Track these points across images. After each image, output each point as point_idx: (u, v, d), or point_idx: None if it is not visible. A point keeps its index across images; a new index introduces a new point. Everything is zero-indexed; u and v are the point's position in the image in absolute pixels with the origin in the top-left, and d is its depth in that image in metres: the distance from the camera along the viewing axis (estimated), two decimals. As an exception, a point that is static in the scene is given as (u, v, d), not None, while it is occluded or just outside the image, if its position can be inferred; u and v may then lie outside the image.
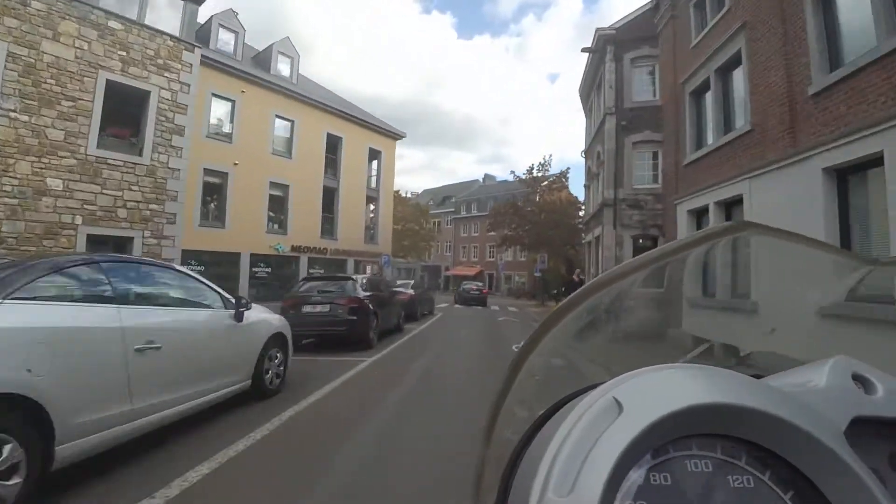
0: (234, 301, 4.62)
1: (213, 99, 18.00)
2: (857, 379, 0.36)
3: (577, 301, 0.42)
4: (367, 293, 10.07)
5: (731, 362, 0.48)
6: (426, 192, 64.98)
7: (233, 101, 18.83)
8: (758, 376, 0.37)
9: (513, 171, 48.98)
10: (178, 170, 13.08)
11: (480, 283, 34.98)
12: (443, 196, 60.03)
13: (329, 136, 23.22)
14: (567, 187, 36.76)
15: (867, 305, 0.57)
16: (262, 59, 22.09)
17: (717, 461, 0.32)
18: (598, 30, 17.75)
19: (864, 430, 0.34)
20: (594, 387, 0.36)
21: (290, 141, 21.34)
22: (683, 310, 0.63)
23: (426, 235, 44.36)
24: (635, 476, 0.30)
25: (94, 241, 11.15)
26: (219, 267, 17.41)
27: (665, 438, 0.31)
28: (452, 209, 55.91)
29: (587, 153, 23.42)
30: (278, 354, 5.40)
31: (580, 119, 29.39)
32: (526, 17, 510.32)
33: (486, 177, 59.91)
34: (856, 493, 0.30)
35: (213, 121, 18.34)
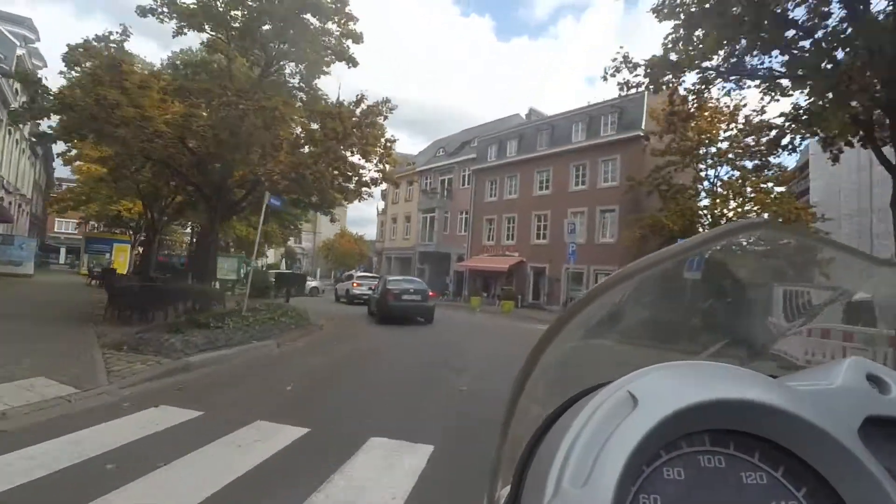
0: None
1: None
2: (872, 379, 0.36)
3: (592, 297, 0.41)
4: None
5: (746, 361, 0.46)
6: (434, 143, 42.08)
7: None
8: (773, 376, 0.37)
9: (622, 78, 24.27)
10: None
11: (420, 284, 16.06)
12: (460, 142, 37.26)
13: None
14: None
15: (877, 306, 0.57)
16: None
17: (730, 457, 0.32)
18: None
19: (878, 429, 0.34)
20: (607, 384, 0.36)
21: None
22: (699, 307, 0.63)
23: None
24: (649, 469, 0.31)
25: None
26: None
27: (679, 433, 0.32)
28: (473, 155, 33.04)
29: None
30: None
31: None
32: (564, 19, 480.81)
33: (533, 112, 36.69)
34: (870, 492, 0.31)
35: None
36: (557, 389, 0.42)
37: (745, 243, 0.47)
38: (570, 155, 26.77)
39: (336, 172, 12.44)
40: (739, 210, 17.84)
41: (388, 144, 13.07)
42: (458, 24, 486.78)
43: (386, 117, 13.08)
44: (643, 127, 24.12)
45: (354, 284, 21.90)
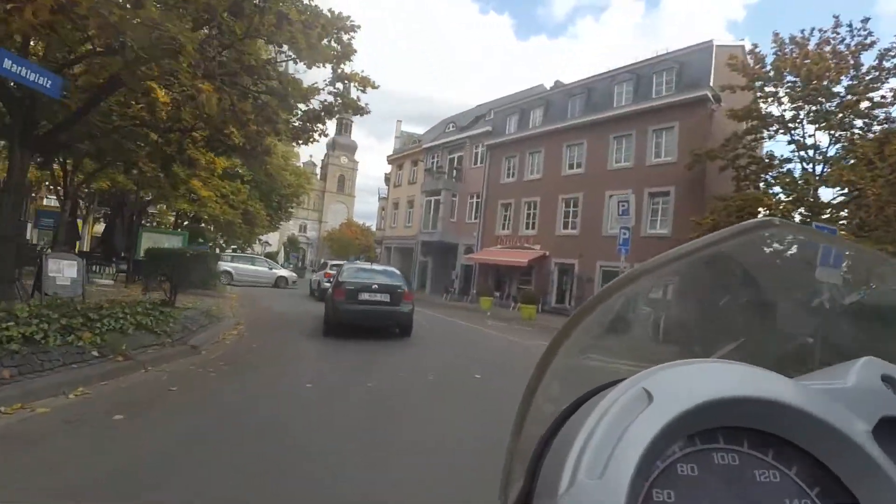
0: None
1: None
2: (886, 380, 0.36)
3: (600, 299, 0.42)
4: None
5: (760, 361, 0.45)
6: (444, 121, 36.67)
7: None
8: (788, 376, 0.38)
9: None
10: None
11: (391, 276, 10.00)
12: (473, 116, 31.83)
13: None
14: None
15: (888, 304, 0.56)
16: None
17: (743, 455, 0.33)
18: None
19: (892, 429, 0.34)
20: (619, 382, 0.36)
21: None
22: (710, 306, 0.62)
23: None
24: (663, 465, 0.31)
25: None
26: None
27: (693, 429, 0.32)
28: (488, 128, 27.58)
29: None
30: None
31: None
32: (583, 19, 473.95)
33: (558, 84, 31.06)
34: (885, 492, 0.31)
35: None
36: (570, 389, 0.41)
37: (756, 242, 0.46)
38: (611, 123, 21.20)
39: (234, 68, 7.14)
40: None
41: (345, 37, 7.72)
42: (477, 21, 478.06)
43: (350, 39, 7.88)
44: (711, 84, 18.53)
45: (326, 275, 16.79)
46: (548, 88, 29.67)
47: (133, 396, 4.33)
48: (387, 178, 39.75)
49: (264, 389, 4.93)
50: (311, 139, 9.54)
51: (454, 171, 29.05)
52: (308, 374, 5.69)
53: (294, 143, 9.97)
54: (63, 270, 8.20)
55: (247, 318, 10.88)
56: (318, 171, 79.61)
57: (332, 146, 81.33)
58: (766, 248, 0.50)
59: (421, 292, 28.88)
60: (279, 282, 23.18)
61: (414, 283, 29.55)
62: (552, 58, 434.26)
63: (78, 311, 5.48)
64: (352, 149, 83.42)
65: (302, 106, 9.13)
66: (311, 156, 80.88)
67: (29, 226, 16.50)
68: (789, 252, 0.53)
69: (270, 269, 24.08)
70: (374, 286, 9.04)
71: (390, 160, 37.81)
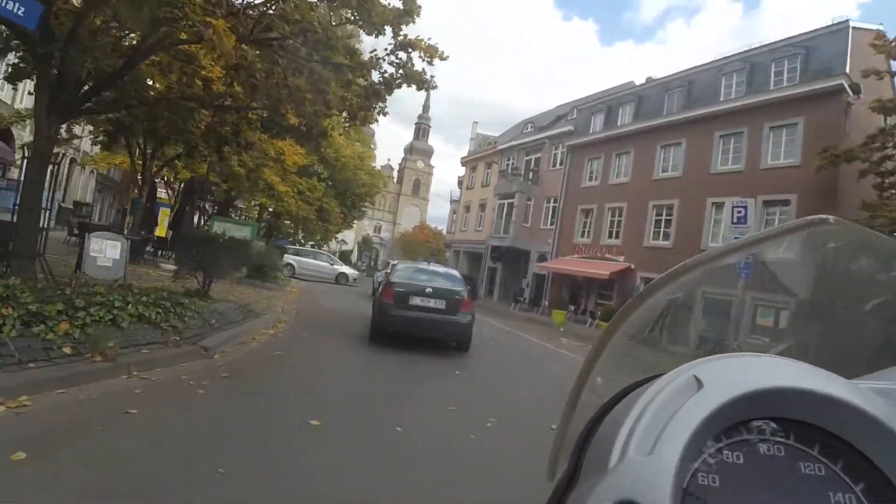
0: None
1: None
2: None
3: (648, 293, 0.43)
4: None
5: (813, 361, 0.44)
6: (522, 122, 34.73)
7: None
8: (842, 377, 0.38)
9: None
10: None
11: (448, 279, 8.27)
12: (554, 116, 29.74)
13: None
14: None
15: None
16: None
17: (789, 447, 0.33)
18: None
19: None
20: (663, 374, 0.37)
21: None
22: (758, 306, 0.60)
23: None
24: (709, 451, 0.32)
25: None
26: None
27: (741, 418, 0.33)
28: (570, 128, 25.42)
29: None
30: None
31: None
32: (673, 23, 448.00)
33: (650, 80, 28.10)
34: None
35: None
36: (617, 381, 0.41)
37: (808, 241, 0.46)
38: (717, 120, 18.37)
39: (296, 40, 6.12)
40: None
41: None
42: (560, 28, 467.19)
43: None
44: (847, 70, 15.30)
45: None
46: (637, 85, 26.92)
47: (73, 420, 3.19)
48: (459, 182, 38.66)
49: (250, 427, 3.59)
50: (369, 118, 8.36)
51: (530, 174, 27.19)
52: (323, 403, 4.35)
53: (350, 123, 8.83)
54: (106, 251, 7.65)
55: (294, 314, 9.95)
56: (394, 174, 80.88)
57: (409, 150, 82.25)
58: (819, 247, 0.48)
59: (487, 300, 27.22)
60: (339, 278, 22.74)
61: (481, 289, 27.96)
62: (638, 63, 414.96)
63: (63, 295, 4.54)
64: (428, 153, 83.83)
65: (361, 80, 7.99)
66: (388, 159, 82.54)
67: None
68: (844, 252, 0.50)
69: (332, 264, 23.73)
70: (427, 290, 7.62)
71: (464, 162, 36.64)
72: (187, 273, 7.44)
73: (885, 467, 0.31)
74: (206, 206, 16.37)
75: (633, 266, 19.87)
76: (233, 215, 24.83)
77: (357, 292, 20.04)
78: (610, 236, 21.79)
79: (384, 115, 8.37)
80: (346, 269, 24.47)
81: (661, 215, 19.74)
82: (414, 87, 7.92)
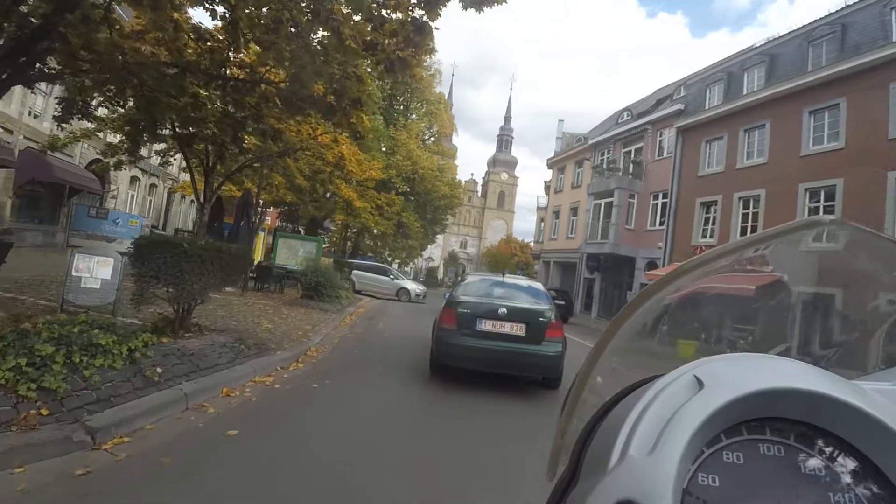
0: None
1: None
2: None
3: (644, 298, 0.43)
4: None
5: (813, 362, 0.45)
6: (615, 114, 30.61)
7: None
8: (843, 377, 0.38)
9: None
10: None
11: (529, 297, 5.76)
12: (655, 100, 25.60)
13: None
14: None
15: None
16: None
17: (790, 447, 0.33)
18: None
19: None
20: (663, 375, 0.37)
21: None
22: (764, 307, 0.59)
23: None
24: (709, 451, 0.32)
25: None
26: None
27: (741, 418, 0.33)
28: (679, 107, 21.26)
29: None
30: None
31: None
32: (773, 3, 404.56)
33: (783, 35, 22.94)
34: None
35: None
36: (616, 382, 0.41)
37: (808, 241, 0.45)
38: (889, 67, 13.61)
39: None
40: None
41: None
42: (645, 26, 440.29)
43: None
44: None
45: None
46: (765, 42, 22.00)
47: None
48: (546, 187, 35.36)
49: None
50: (413, 61, 5.95)
51: (630, 166, 23.30)
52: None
53: (388, 76, 6.45)
54: (94, 270, 6.07)
55: (335, 344, 7.72)
56: (478, 188, 79.20)
57: (492, 163, 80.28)
58: (819, 248, 0.47)
59: (584, 316, 23.48)
60: (400, 293, 20.83)
61: (577, 305, 24.31)
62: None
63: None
64: (512, 164, 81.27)
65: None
66: (472, 174, 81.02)
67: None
68: (845, 253, 0.50)
69: (393, 279, 21.80)
70: (501, 310, 5.10)
71: (550, 164, 33.34)
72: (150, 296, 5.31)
73: (885, 467, 0.31)
74: (255, 217, 15.14)
75: (785, 278, 15.32)
76: (323, 237, 23.97)
77: (426, 310, 17.70)
78: (743, 234, 17.32)
79: (432, 54, 5.92)
80: (408, 283, 22.49)
81: (816, 201, 15.09)
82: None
